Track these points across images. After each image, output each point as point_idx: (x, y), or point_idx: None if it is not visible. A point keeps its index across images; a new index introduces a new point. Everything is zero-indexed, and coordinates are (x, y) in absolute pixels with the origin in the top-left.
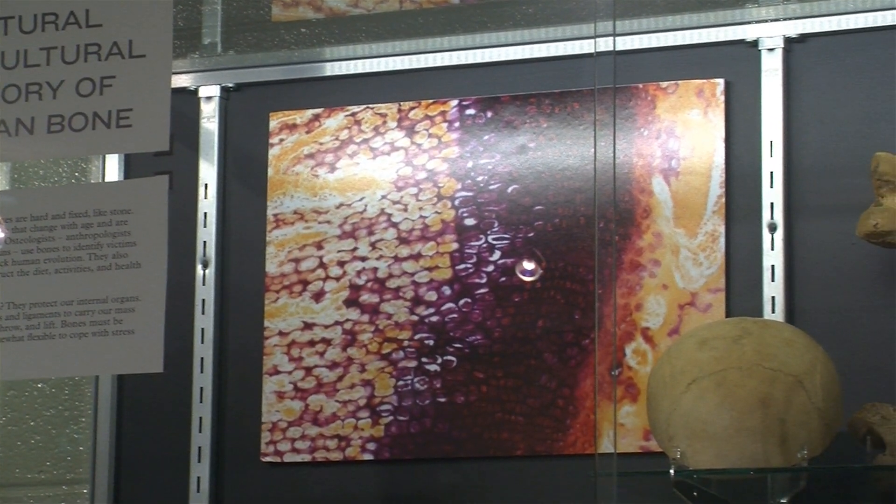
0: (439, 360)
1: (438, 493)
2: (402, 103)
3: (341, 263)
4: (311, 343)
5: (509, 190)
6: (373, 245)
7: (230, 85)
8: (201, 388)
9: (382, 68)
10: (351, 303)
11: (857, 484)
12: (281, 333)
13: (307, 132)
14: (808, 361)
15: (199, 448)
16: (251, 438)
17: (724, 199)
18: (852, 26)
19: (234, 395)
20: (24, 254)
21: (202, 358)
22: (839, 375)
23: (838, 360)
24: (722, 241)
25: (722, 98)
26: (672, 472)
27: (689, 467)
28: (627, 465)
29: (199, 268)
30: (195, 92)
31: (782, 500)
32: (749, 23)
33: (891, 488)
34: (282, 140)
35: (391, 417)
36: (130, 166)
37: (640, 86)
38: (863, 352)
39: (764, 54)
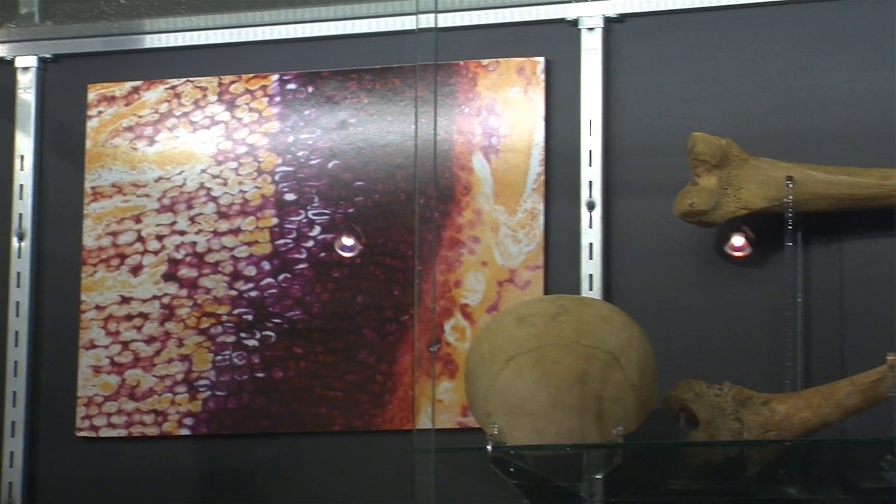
0: (258, 336)
1: (256, 468)
2: (222, 77)
3: (160, 237)
4: (129, 317)
5: (330, 165)
6: (192, 219)
7: (48, 56)
8: (15, 363)
9: (203, 41)
10: (169, 277)
11: (671, 460)
12: (98, 307)
13: (126, 105)
14: (624, 339)
15: (13, 423)
16: (66, 413)
17: (543, 177)
18: (671, 7)
19: (49, 370)
20: None
21: (17, 332)
22: (655, 353)
23: (654, 338)
24: (541, 218)
25: (542, 76)
26: (489, 448)
27: (506, 443)
28: (445, 441)
29: (14, 240)
30: (11, 62)
31: (597, 476)
32: (569, 1)
33: (704, 464)
34: (100, 112)
35: (209, 392)
36: None
37: (462, 63)
38: (678, 330)
39: (584, 33)
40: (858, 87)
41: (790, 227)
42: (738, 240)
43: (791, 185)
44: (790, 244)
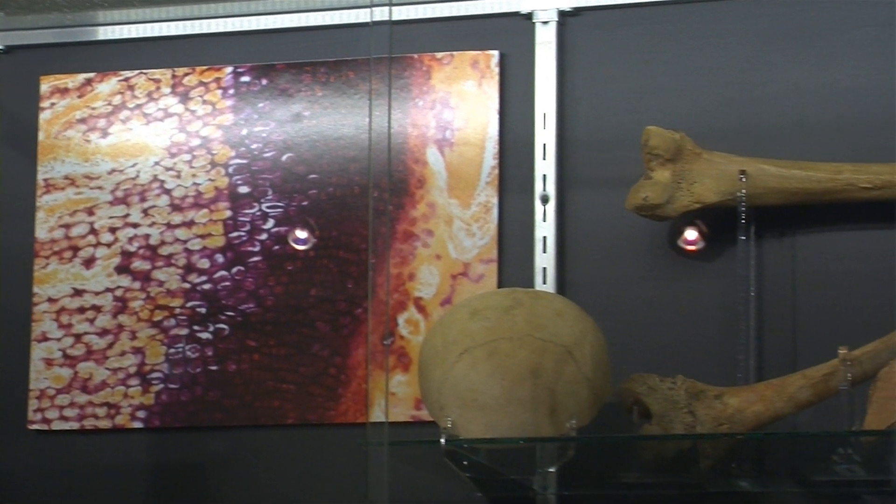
0: (211, 328)
1: (209, 461)
2: (176, 69)
3: (113, 230)
4: (81, 310)
5: (284, 158)
6: (145, 212)
7: (0, 47)
8: None
9: (156, 33)
10: (122, 269)
11: (625, 453)
12: (50, 300)
13: (79, 96)
14: (577, 332)
15: None
16: (18, 406)
17: (497, 171)
18: (626, 1)
19: (1, 362)
20: None
21: None
22: (608, 346)
23: (608, 332)
24: (495, 212)
25: (496, 70)
26: (443, 441)
27: (459, 436)
28: (399, 434)
29: None
30: None
31: (551, 469)
32: None
33: (657, 457)
34: (53, 104)
35: (162, 385)
36: None
37: (416, 56)
38: (632, 323)
39: (538, 27)
40: (811, 82)
41: (743, 221)
42: (691, 234)
43: (744, 180)
44: (743, 238)
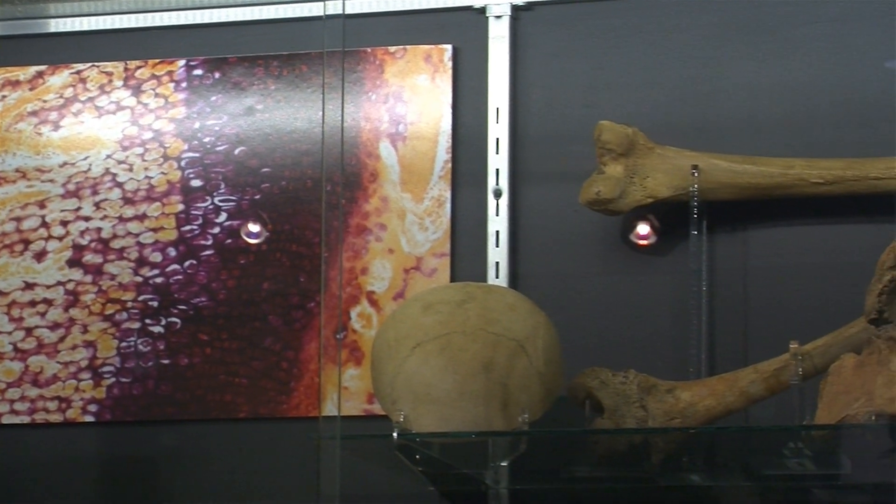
0: (163, 322)
1: (160, 455)
2: (128, 62)
3: (64, 223)
4: (33, 303)
5: (236, 152)
6: (97, 205)
7: None
8: None
9: (109, 26)
10: (74, 263)
11: (577, 447)
12: (1, 293)
13: (30, 89)
14: (530, 326)
15: None
16: None
17: (450, 165)
18: None
19: None
20: None
21: None
22: (561, 341)
23: (560, 326)
24: (448, 206)
25: (450, 64)
26: (395, 435)
27: (412, 431)
28: (351, 428)
29: None
30: None
31: (503, 463)
32: None
33: (609, 451)
34: (4, 97)
35: (113, 379)
36: None
37: (369, 50)
38: (584, 317)
39: (491, 21)
40: (763, 78)
41: (695, 216)
42: (643, 228)
43: (696, 174)
44: (695, 233)
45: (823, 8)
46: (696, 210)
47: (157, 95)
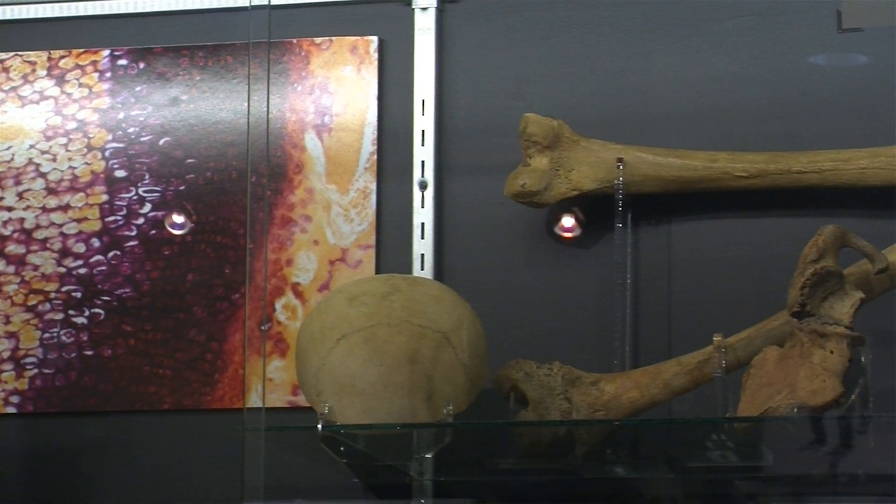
0: (87, 313)
1: (84, 446)
2: (52, 52)
3: None
4: None
5: (161, 142)
6: (20, 195)
7: None
8: None
9: (32, 15)
10: None
11: (501, 439)
12: None
13: None
14: (455, 318)
15: None
16: None
17: (375, 157)
18: None
19: None
20: None
21: None
22: (485, 333)
23: (485, 318)
24: (373, 198)
25: (375, 55)
26: (320, 427)
27: (336, 422)
28: (276, 419)
29: None
30: None
31: (427, 455)
32: None
33: (533, 443)
34: None
35: (36, 370)
36: None
37: (295, 41)
38: (509, 310)
39: (417, 13)
40: (688, 71)
41: (620, 209)
42: (568, 221)
43: (621, 167)
44: (620, 226)
45: (748, 3)
46: (620, 203)
47: (81, 85)
